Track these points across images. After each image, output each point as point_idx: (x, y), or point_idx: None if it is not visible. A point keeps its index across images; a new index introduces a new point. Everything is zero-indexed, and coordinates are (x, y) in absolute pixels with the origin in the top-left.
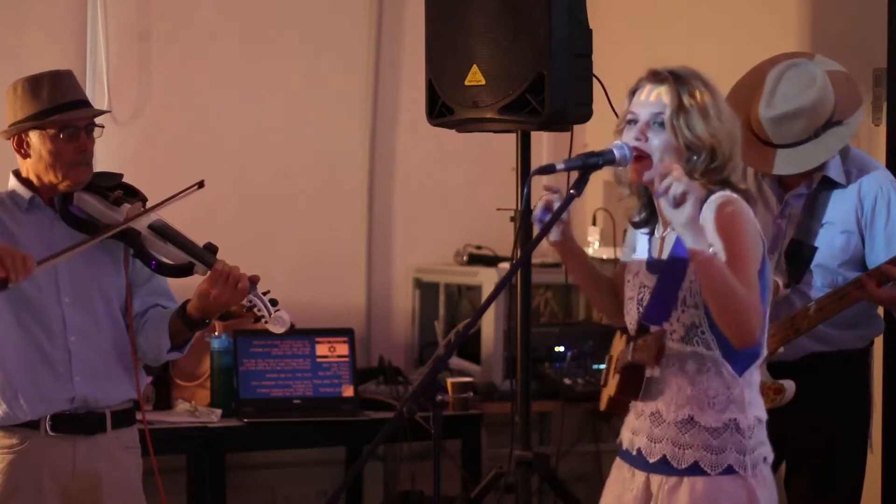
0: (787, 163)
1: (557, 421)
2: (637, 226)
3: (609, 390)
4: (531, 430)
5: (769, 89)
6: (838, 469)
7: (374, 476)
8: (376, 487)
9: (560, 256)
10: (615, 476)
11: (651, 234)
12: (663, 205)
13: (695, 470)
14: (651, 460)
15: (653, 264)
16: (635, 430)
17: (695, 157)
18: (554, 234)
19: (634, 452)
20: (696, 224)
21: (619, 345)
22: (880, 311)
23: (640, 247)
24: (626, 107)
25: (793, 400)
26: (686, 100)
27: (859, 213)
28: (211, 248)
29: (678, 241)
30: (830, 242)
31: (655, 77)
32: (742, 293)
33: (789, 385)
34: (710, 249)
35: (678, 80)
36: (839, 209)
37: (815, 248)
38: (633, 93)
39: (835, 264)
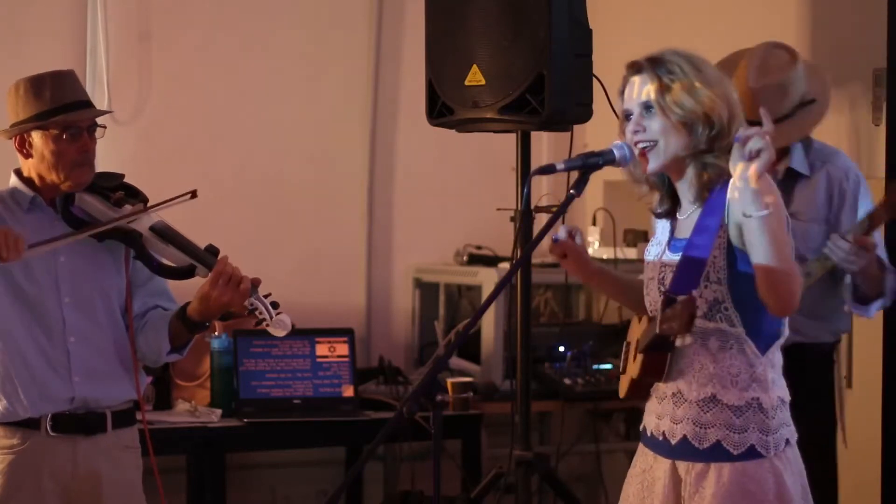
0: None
1: (557, 421)
2: (660, 216)
3: (631, 374)
4: (531, 430)
5: (757, 63)
6: (815, 472)
7: (374, 476)
8: (376, 487)
9: (592, 287)
10: (640, 465)
11: (672, 218)
12: (734, 155)
13: (718, 452)
14: (673, 442)
15: (675, 244)
16: (659, 413)
17: (695, 131)
18: (572, 270)
19: (660, 437)
20: (762, 182)
21: (637, 328)
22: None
23: (660, 231)
24: (621, 105)
25: None
26: (666, 78)
27: (832, 198)
28: (212, 251)
29: (702, 217)
30: (803, 232)
31: (634, 68)
32: (790, 256)
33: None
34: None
35: (655, 62)
36: (805, 200)
37: None
38: (622, 92)
39: (804, 253)
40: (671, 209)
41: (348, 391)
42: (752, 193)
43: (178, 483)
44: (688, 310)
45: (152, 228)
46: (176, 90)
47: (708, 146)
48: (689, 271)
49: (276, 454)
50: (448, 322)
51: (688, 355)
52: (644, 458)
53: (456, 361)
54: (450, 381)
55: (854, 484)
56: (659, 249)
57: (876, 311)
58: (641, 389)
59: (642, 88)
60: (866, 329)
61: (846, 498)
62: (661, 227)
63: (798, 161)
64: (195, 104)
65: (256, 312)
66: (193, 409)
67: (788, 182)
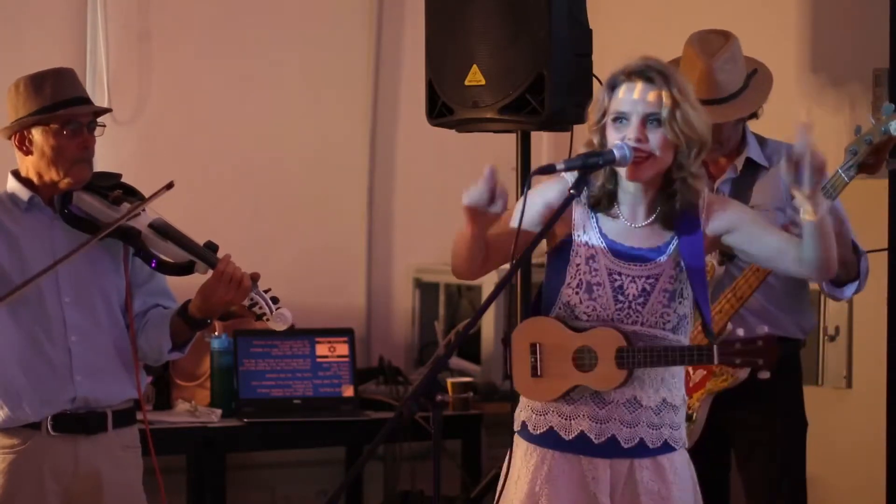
0: (728, 110)
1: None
2: (595, 203)
3: (587, 381)
4: None
5: (700, 46)
6: (786, 464)
7: (374, 476)
8: (376, 487)
9: (471, 221)
10: (555, 468)
11: (599, 214)
12: (801, 191)
13: (665, 447)
14: (627, 445)
15: (625, 250)
16: (601, 418)
17: (686, 151)
18: (497, 207)
19: (600, 440)
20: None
21: (556, 331)
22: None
23: (587, 227)
24: (606, 102)
25: (744, 384)
26: (678, 96)
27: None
28: (211, 247)
29: (689, 240)
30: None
31: (642, 75)
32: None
33: None
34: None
35: (664, 76)
36: (767, 190)
37: None
38: (612, 88)
39: None
40: (607, 202)
41: (348, 391)
42: (812, 201)
43: (178, 483)
44: (774, 347)
45: (151, 226)
46: (176, 90)
47: (687, 167)
48: (704, 296)
49: (276, 454)
50: (448, 322)
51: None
52: (554, 458)
53: (456, 361)
54: (450, 381)
55: (856, 485)
56: (594, 252)
57: (851, 294)
58: (569, 394)
59: (650, 98)
60: (865, 328)
61: (848, 497)
62: (579, 225)
63: (755, 153)
64: (195, 104)
65: (257, 308)
66: (193, 408)
67: (748, 174)
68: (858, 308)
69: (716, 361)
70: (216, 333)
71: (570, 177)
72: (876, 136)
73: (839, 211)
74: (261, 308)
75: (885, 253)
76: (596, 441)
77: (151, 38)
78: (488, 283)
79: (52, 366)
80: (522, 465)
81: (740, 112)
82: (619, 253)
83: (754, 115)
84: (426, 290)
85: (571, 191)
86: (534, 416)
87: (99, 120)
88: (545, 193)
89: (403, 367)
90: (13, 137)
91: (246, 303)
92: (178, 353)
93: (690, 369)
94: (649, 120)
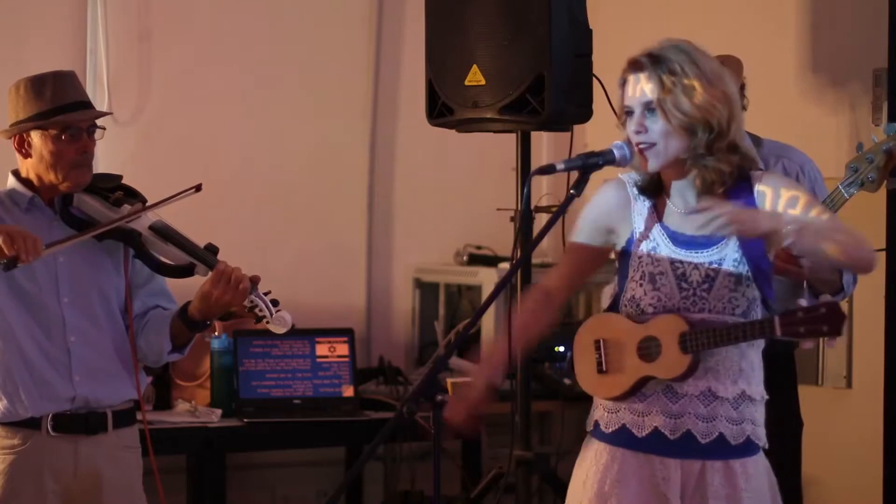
0: None
1: (557, 421)
2: (644, 190)
3: (657, 373)
4: (531, 430)
5: None
6: (780, 464)
7: (374, 476)
8: (376, 487)
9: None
10: (626, 468)
11: (654, 203)
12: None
13: (750, 446)
14: (704, 441)
15: (680, 238)
16: (673, 413)
17: (694, 135)
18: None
19: (674, 436)
20: (758, 213)
21: (612, 325)
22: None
23: (645, 220)
24: (620, 98)
25: None
26: (668, 79)
27: None
28: (212, 249)
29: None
30: None
31: (635, 66)
32: (843, 228)
33: None
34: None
35: (656, 61)
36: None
37: None
38: (622, 84)
39: None
40: (655, 187)
41: (348, 391)
42: (768, 221)
43: (178, 483)
44: (839, 313)
45: (151, 227)
46: (176, 90)
47: (707, 149)
48: (765, 274)
49: (276, 454)
50: (448, 322)
51: (718, 353)
52: (625, 458)
53: (456, 361)
54: (450, 381)
55: (855, 485)
56: (654, 243)
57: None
58: (639, 389)
59: (643, 88)
60: (866, 329)
61: (846, 497)
62: (641, 219)
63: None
64: (195, 104)
65: (256, 310)
66: (193, 409)
67: None
68: (858, 308)
69: (778, 333)
70: (216, 334)
71: (626, 177)
72: (877, 155)
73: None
74: (261, 310)
75: (883, 253)
76: (671, 437)
77: (152, 39)
78: (488, 283)
79: (52, 365)
80: (592, 464)
81: None
82: (678, 241)
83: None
84: (426, 290)
85: (571, 191)
86: (606, 414)
87: (99, 122)
88: (600, 202)
89: (403, 367)
90: (13, 139)
91: (246, 305)
92: (177, 354)
93: None
94: (647, 109)
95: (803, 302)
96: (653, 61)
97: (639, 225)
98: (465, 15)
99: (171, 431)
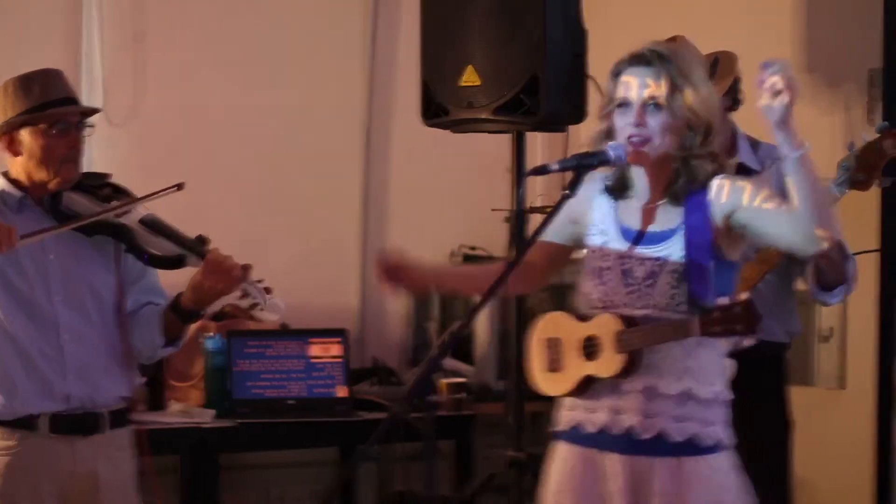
0: None
1: (551, 422)
2: (612, 189)
3: (596, 371)
4: (524, 430)
5: None
6: (771, 465)
7: (368, 477)
8: (370, 488)
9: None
10: (570, 463)
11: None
12: (764, 99)
13: (690, 446)
14: (646, 436)
15: (637, 234)
16: (618, 408)
17: (692, 134)
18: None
19: (618, 433)
20: (791, 118)
21: (565, 324)
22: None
23: (603, 216)
24: (611, 90)
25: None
26: (678, 79)
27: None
28: (202, 240)
29: (690, 211)
30: None
31: (640, 60)
32: (825, 198)
33: (730, 363)
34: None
35: (664, 59)
36: None
37: None
38: (616, 75)
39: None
40: (622, 187)
41: (342, 392)
42: (784, 134)
43: (171, 484)
44: (753, 312)
45: (141, 221)
46: (171, 91)
47: (695, 150)
48: (701, 273)
49: (269, 455)
50: (442, 323)
51: (661, 350)
52: (575, 455)
53: (449, 362)
54: (443, 381)
55: (848, 485)
56: (607, 238)
57: (840, 299)
58: (588, 387)
59: (649, 82)
60: (859, 330)
61: (837, 498)
62: (600, 214)
63: (747, 157)
64: (190, 105)
65: (249, 298)
66: (187, 409)
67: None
68: (852, 309)
69: (698, 333)
70: (210, 334)
71: (599, 175)
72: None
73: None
74: (254, 298)
75: (877, 254)
76: (615, 432)
77: (146, 39)
78: None
79: (46, 363)
80: (552, 463)
81: None
82: (630, 236)
83: (736, 102)
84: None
85: (566, 191)
86: (564, 413)
87: (91, 120)
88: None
89: (397, 367)
90: (2, 139)
91: (238, 293)
92: (171, 348)
93: None
94: (649, 104)
95: (722, 301)
96: (660, 58)
97: (598, 219)
98: (460, 15)
99: (164, 432)
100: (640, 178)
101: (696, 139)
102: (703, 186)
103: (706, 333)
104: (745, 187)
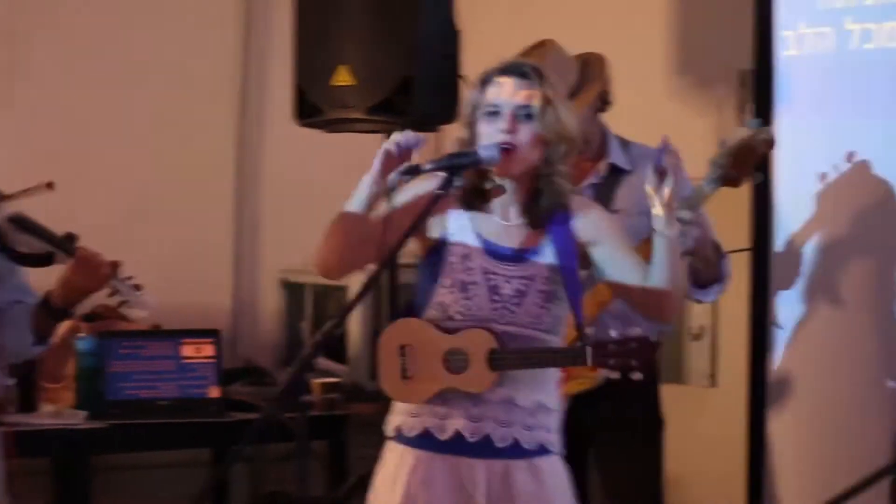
0: (574, 105)
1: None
2: (467, 202)
3: (465, 385)
4: None
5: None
6: (643, 464)
7: (241, 477)
8: (243, 489)
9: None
10: (432, 470)
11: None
12: (658, 197)
13: (542, 449)
14: (501, 445)
15: (501, 250)
16: (475, 416)
17: (557, 150)
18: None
19: (474, 439)
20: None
21: (420, 332)
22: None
23: (461, 227)
24: (479, 97)
25: (601, 385)
26: (550, 93)
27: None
28: (71, 237)
29: (554, 229)
30: (630, 227)
31: (515, 70)
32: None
33: None
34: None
35: (538, 73)
36: (629, 194)
37: None
38: (484, 83)
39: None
40: (476, 200)
41: (214, 392)
42: (667, 213)
43: (42, 486)
44: (649, 348)
45: (9, 219)
46: (42, 90)
47: (559, 167)
48: (577, 297)
49: (142, 456)
50: (315, 323)
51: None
52: (430, 461)
53: (322, 362)
54: (316, 381)
55: (719, 483)
56: (468, 250)
57: (715, 297)
58: (442, 394)
59: (522, 92)
60: (730, 328)
61: (710, 495)
62: (458, 224)
63: (618, 157)
64: (61, 104)
65: (118, 295)
66: (58, 411)
67: (611, 178)
68: (723, 307)
69: (589, 363)
70: (82, 335)
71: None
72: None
73: (703, 217)
74: (122, 295)
75: (748, 252)
76: (471, 440)
77: (19, 39)
78: (354, 283)
79: None
80: (398, 469)
81: (584, 103)
82: (494, 252)
83: (606, 104)
84: (293, 291)
85: (438, 191)
86: (408, 418)
87: None
88: (418, 191)
89: (270, 367)
90: None
91: (107, 290)
92: (41, 346)
93: None
94: (521, 114)
95: (613, 333)
96: (535, 71)
97: (453, 229)
98: (333, 15)
99: (35, 434)
100: (507, 197)
101: (560, 156)
102: (564, 205)
103: (598, 365)
104: (609, 227)
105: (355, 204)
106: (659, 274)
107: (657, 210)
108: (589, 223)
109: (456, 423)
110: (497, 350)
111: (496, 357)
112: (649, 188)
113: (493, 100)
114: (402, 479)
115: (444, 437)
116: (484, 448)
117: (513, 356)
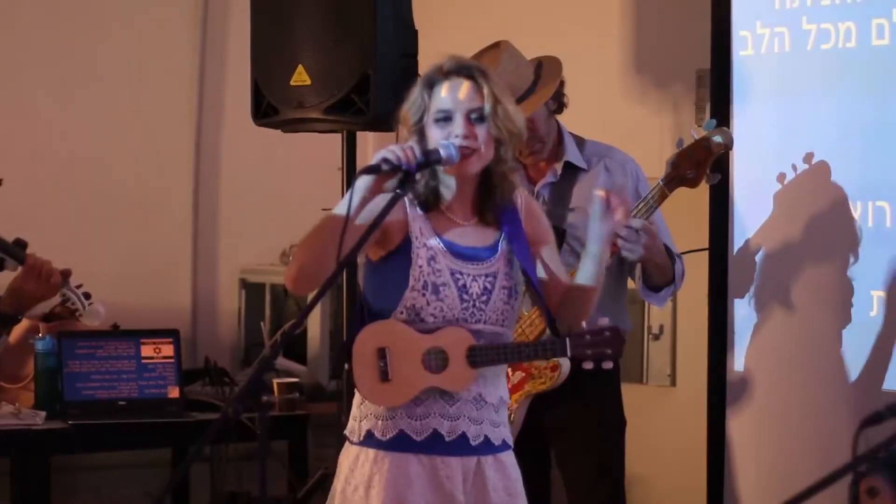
0: (529, 105)
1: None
2: (423, 203)
3: (450, 383)
4: None
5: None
6: (604, 463)
7: (201, 477)
8: (203, 489)
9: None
10: (412, 472)
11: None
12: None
13: (504, 445)
14: (475, 442)
15: (463, 250)
16: (452, 415)
17: (505, 148)
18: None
19: (452, 438)
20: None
21: (404, 334)
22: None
23: (420, 228)
24: (427, 101)
25: (562, 384)
26: (497, 91)
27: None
28: (20, 243)
29: (512, 238)
30: (585, 224)
31: (461, 72)
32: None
33: (564, 362)
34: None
35: (484, 74)
36: (585, 193)
37: (564, 231)
38: (430, 86)
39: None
40: (433, 201)
41: (174, 392)
42: (602, 249)
43: (1, 487)
44: (621, 337)
45: None
46: None
47: (510, 164)
48: (541, 291)
49: (101, 456)
50: (274, 323)
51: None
52: (409, 462)
53: (282, 362)
54: (276, 381)
55: (679, 483)
56: (433, 252)
57: (667, 299)
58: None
59: (472, 94)
60: (690, 327)
61: (670, 493)
62: (414, 225)
63: (574, 156)
64: (18, 103)
65: (69, 304)
66: (17, 411)
67: (568, 177)
68: (682, 307)
69: (569, 354)
70: (40, 335)
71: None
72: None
73: (655, 223)
74: (73, 304)
75: (707, 252)
76: (448, 438)
77: None
78: None
79: None
80: (374, 474)
81: (540, 101)
82: (457, 252)
83: (562, 105)
84: (252, 291)
85: (397, 190)
86: (380, 422)
87: None
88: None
89: (229, 367)
90: None
91: (58, 298)
92: None
93: (510, 371)
94: (474, 117)
95: (584, 324)
96: (480, 73)
97: (416, 233)
98: (290, 15)
99: None
100: (450, 191)
101: (510, 153)
102: (511, 201)
103: (577, 356)
104: (548, 225)
105: (343, 208)
106: (585, 274)
107: (593, 247)
108: (538, 226)
109: (433, 422)
110: (476, 347)
111: (475, 354)
112: (597, 192)
113: (443, 104)
114: (381, 482)
115: (420, 437)
116: (460, 446)
117: (492, 352)
